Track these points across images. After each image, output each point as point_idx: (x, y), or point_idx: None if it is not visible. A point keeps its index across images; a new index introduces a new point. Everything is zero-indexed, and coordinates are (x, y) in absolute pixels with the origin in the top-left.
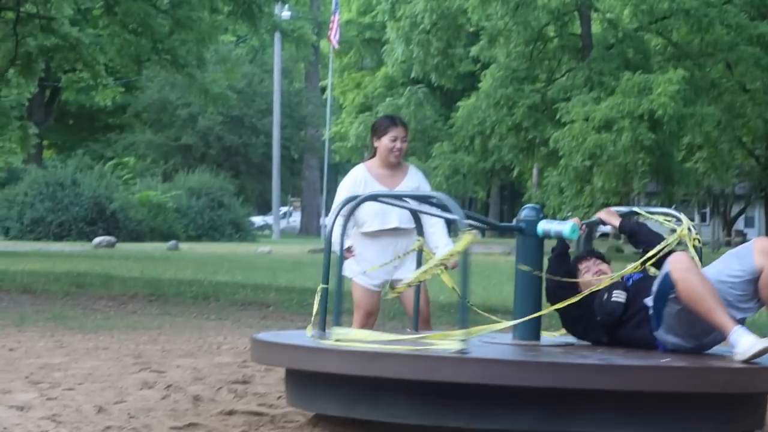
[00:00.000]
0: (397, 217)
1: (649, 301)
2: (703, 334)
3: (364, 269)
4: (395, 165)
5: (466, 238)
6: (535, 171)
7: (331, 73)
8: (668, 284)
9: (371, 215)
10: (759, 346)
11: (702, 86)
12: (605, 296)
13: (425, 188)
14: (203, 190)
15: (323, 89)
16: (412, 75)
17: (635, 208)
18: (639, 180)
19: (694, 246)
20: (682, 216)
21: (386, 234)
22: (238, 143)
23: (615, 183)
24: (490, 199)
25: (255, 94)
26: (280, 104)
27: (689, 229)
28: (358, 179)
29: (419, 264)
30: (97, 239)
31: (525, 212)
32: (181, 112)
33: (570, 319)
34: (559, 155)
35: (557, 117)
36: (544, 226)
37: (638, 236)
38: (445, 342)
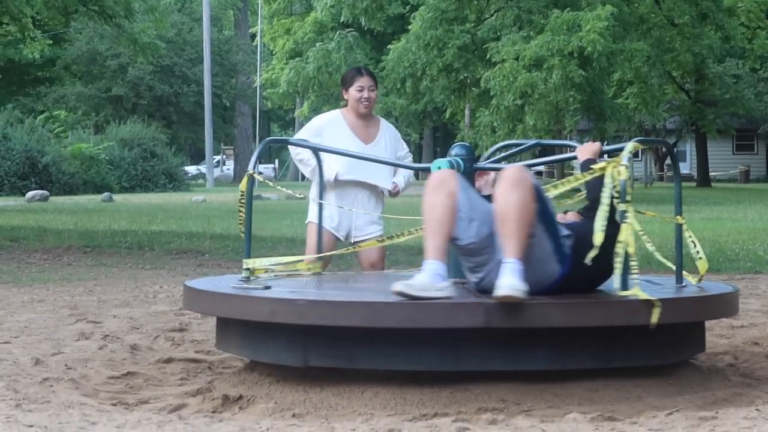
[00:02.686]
0: (367, 170)
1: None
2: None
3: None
4: (367, 116)
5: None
6: (467, 111)
7: (260, 19)
8: None
9: (341, 163)
10: (399, 287)
11: (631, 22)
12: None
13: (397, 141)
14: (135, 141)
15: (253, 36)
16: (342, 19)
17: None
18: (570, 117)
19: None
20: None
21: (350, 185)
22: (169, 93)
23: (547, 121)
24: (423, 141)
25: (185, 43)
26: (210, 52)
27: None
28: (330, 122)
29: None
30: (30, 193)
31: (456, 150)
32: (110, 63)
33: None
34: (491, 95)
35: (488, 57)
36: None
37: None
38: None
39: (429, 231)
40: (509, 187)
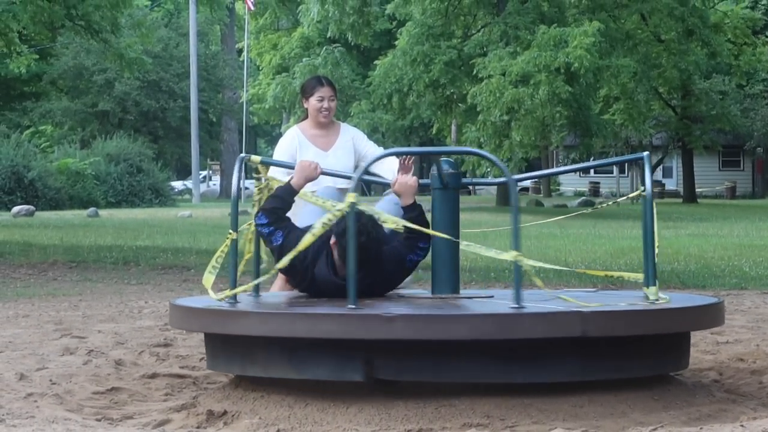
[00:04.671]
0: (331, 177)
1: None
2: None
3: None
4: (326, 125)
5: (349, 197)
6: (453, 127)
7: (247, 34)
8: None
9: None
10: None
11: (617, 38)
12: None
13: (360, 140)
14: (122, 156)
15: (240, 51)
16: (329, 34)
17: None
18: (557, 133)
19: None
20: None
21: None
22: (155, 108)
23: (533, 137)
24: None
25: (171, 58)
26: (197, 67)
27: None
28: (293, 142)
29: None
30: (16, 208)
31: (443, 166)
32: (97, 78)
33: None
34: (477, 111)
35: (474, 72)
36: None
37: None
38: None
39: None
40: None
